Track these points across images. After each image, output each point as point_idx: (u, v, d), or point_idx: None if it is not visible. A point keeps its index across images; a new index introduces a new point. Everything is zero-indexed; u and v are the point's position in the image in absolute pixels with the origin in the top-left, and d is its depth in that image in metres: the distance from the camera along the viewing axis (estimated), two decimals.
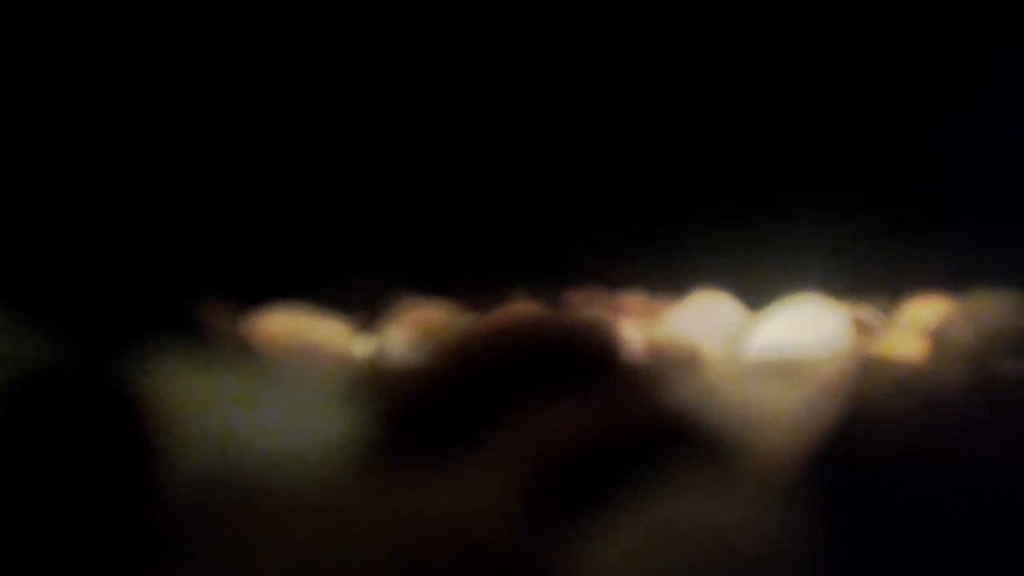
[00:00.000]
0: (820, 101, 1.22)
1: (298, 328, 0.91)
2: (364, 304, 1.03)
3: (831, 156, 1.22)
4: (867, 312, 1.04)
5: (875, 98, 1.22)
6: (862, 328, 0.97)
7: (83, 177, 1.09)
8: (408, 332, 0.96)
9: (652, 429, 0.47)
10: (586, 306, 1.12)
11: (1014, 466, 0.43)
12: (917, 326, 0.98)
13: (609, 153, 1.23)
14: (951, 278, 1.09)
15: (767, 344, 0.89)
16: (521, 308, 1.03)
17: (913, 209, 1.21)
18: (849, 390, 0.53)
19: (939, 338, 0.85)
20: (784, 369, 0.73)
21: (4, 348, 0.47)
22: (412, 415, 0.51)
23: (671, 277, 1.15)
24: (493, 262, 1.18)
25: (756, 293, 1.03)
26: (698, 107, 1.22)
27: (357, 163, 1.20)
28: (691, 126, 1.22)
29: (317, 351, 0.89)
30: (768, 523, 0.41)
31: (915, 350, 0.87)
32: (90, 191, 1.08)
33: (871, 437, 0.45)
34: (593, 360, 0.56)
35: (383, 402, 0.51)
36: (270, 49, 1.16)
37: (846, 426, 0.46)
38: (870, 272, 1.18)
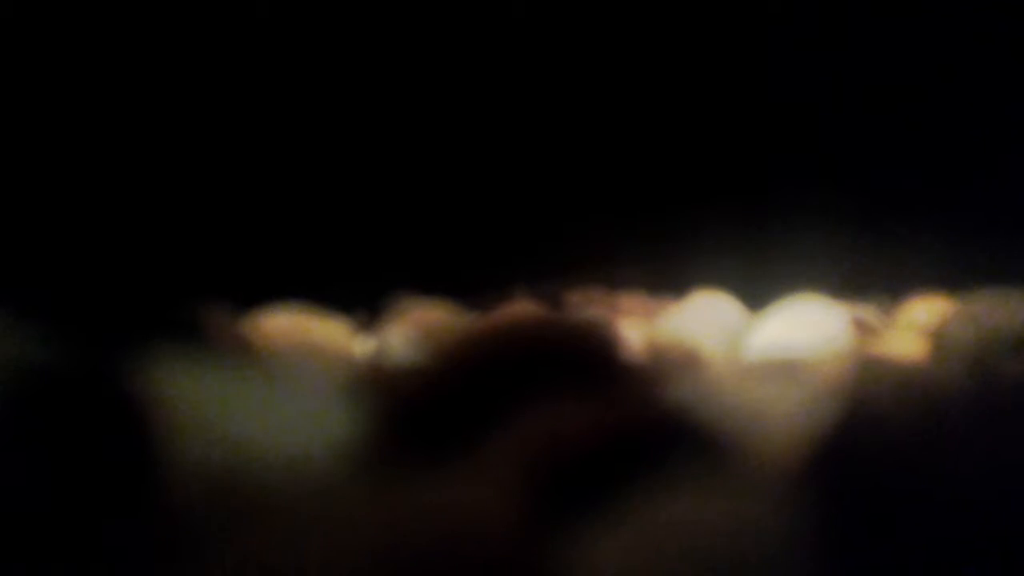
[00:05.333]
0: (820, 101, 1.22)
1: (298, 328, 0.91)
2: (364, 304, 1.03)
3: (830, 156, 1.22)
4: (867, 312, 1.04)
5: (874, 98, 1.22)
6: (862, 328, 0.97)
7: (83, 178, 1.09)
8: (408, 332, 0.96)
9: (652, 429, 0.47)
10: (586, 306, 1.12)
11: (1014, 466, 0.43)
12: (917, 326, 0.98)
13: (609, 153, 1.23)
14: (951, 278, 1.09)
15: (767, 344, 0.89)
16: (521, 308, 1.03)
17: (913, 209, 1.21)
18: (849, 390, 0.53)
19: (939, 338, 0.85)
20: (784, 369, 0.73)
21: (4, 348, 0.47)
22: (412, 415, 0.51)
23: (671, 277, 1.15)
24: (493, 262, 1.18)
25: (756, 293, 1.03)
26: (698, 107, 1.22)
27: (357, 163, 1.20)
28: (691, 126, 1.22)
29: (317, 351, 0.89)
30: (768, 523, 0.41)
31: (915, 350, 0.87)
32: (90, 192, 1.08)
33: (871, 437, 0.45)
34: (593, 360, 0.56)
35: (383, 402, 0.51)
36: (269, 50, 1.16)
37: (846, 426, 0.46)
38: (870, 272, 1.18)
